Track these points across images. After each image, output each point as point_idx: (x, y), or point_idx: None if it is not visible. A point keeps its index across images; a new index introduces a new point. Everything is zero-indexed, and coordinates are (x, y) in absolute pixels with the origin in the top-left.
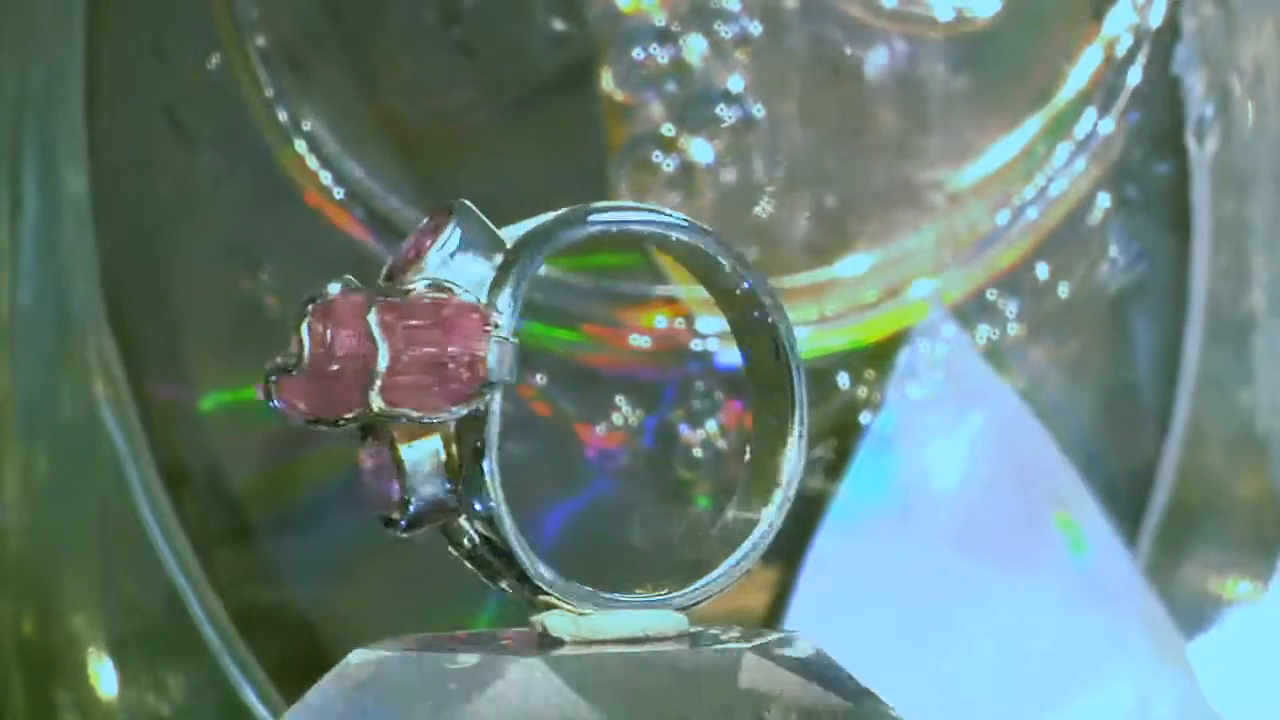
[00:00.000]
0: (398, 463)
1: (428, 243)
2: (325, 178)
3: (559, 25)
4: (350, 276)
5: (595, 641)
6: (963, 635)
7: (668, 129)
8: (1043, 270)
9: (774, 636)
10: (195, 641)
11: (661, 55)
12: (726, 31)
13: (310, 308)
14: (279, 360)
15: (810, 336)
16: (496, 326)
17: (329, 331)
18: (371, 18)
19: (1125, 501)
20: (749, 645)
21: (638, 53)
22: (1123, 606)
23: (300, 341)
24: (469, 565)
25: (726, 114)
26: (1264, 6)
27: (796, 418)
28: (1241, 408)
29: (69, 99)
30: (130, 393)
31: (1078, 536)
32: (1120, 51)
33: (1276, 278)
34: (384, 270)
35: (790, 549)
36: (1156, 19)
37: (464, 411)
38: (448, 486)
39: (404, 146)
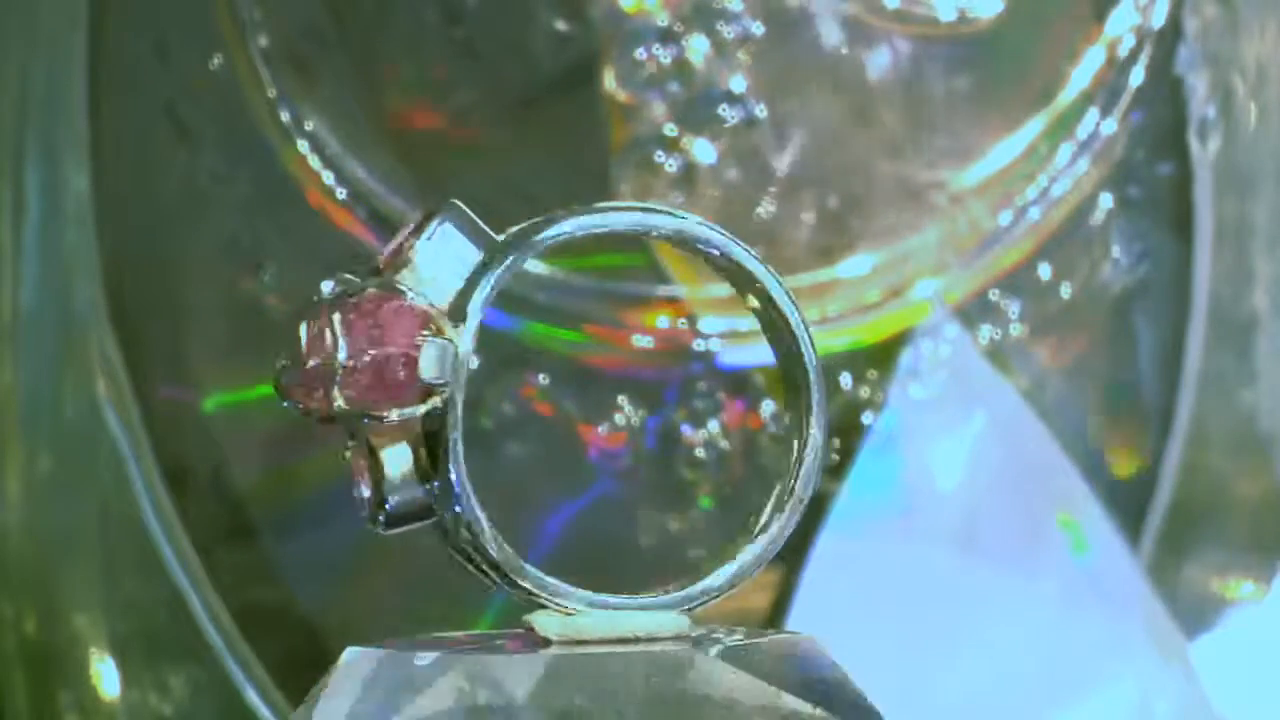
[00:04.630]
0: (371, 462)
1: (410, 243)
2: (328, 178)
3: (561, 25)
4: (348, 275)
5: (582, 641)
6: (965, 635)
7: (670, 129)
8: (1045, 271)
9: (774, 638)
10: (197, 642)
11: (664, 55)
12: (729, 31)
13: (306, 306)
14: (283, 358)
15: (813, 337)
16: (449, 328)
17: (322, 329)
18: (374, 18)
19: (1127, 502)
20: (735, 647)
21: (640, 53)
22: (1125, 607)
23: (299, 339)
24: (464, 563)
25: (729, 114)
26: (1267, 6)
27: (812, 422)
28: (1244, 408)
29: (71, 99)
30: (132, 393)
31: (1080, 537)
32: (1123, 52)
33: (1279, 278)
34: (369, 268)
35: (793, 549)
36: (1159, 19)
37: (412, 413)
38: (424, 488)
39: (406, 147)
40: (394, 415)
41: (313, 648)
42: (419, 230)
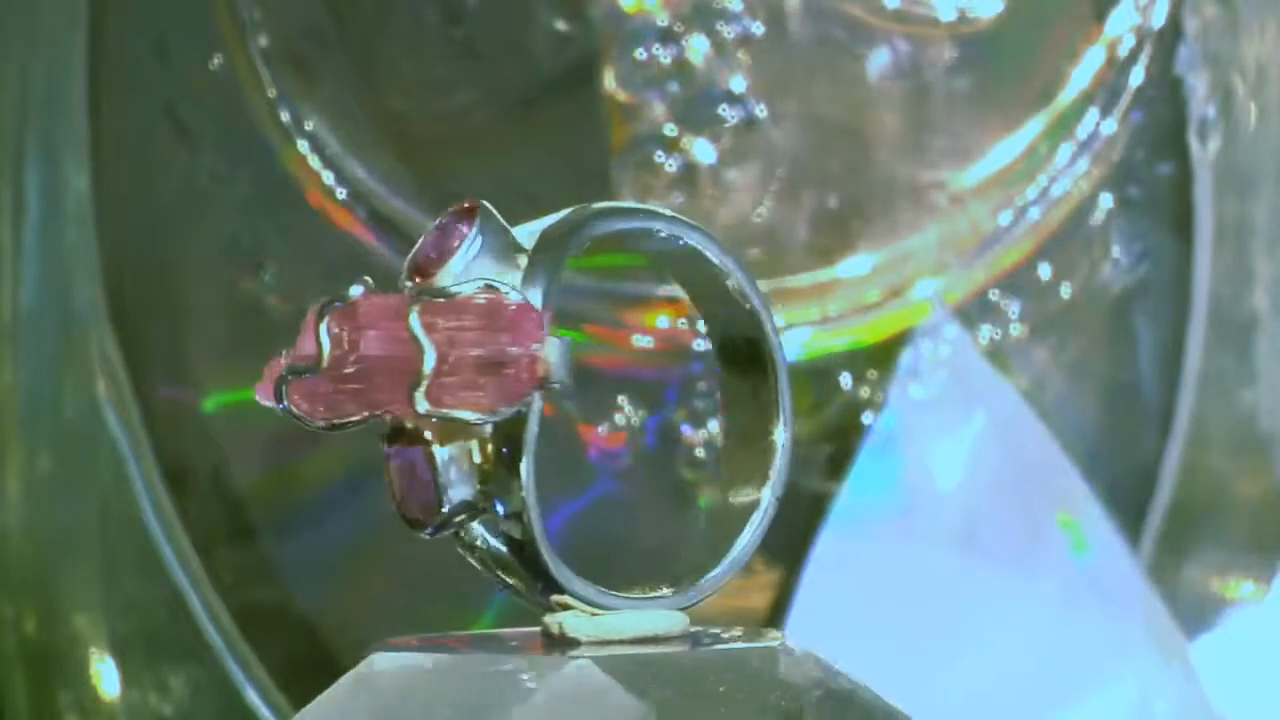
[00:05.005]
0: (432, 464)
1: (454, 244)
2: (328, 178)
3: (561, 25)
4: (369, 279)
5: (610, 642)
6: (965, 636)
7: (670, 129)
8: (1045, 271)
9: (771, 636)
10: (197, 642)
11: (664, 55)
12: (729, 32)
13: (329, 310)
14: (290, 363)
15: (812, 337)
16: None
17: (346, 333)
18: (374, 18)
19: (1127, 502)
20: (755, 644)
21: (640, 53)
22: (1124, 607)
23: (318, 344)
24: (477, 565)
25: (729, 114)
26: (1267, 6)
27: (781, 408)
28: (1244, 408)
29: (71, 99)
30: (132, 393)
31: (1079, 537)
32: (1123, 52)
33: (1279, 278)
34: (406, 271)
35: (792, 549)
36: (1159, 19)
37: (512, 412)
38: (478, 488)
39: (406, 147)
40: (497, 416)
41: (313, 648)
42: (458, 233)
